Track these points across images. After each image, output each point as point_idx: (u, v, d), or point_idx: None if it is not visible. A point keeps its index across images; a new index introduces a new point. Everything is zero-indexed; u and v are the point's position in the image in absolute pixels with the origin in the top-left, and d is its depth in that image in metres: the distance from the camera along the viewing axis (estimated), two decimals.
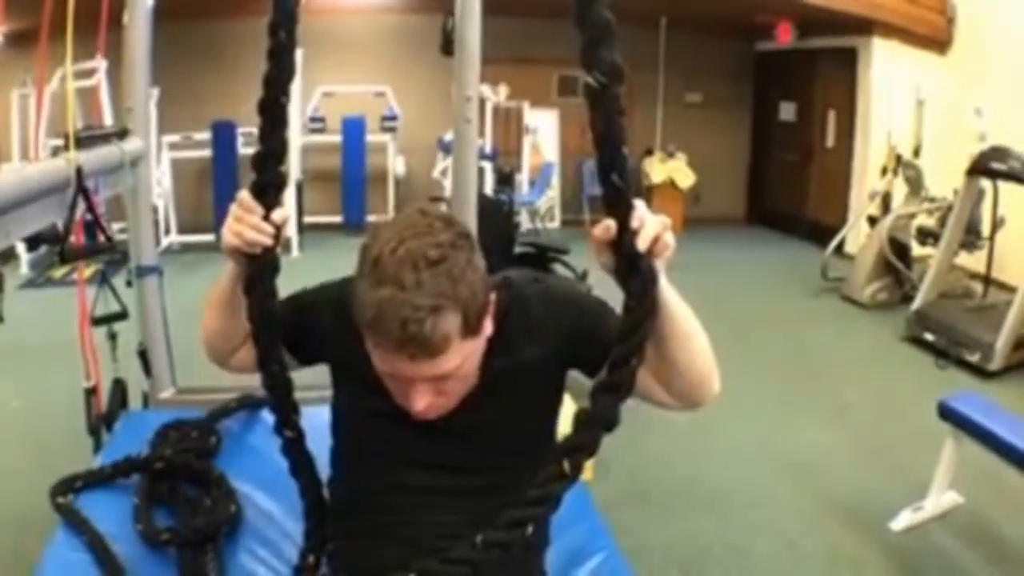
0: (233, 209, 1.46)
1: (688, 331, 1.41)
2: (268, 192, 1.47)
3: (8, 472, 3.71)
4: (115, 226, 5.90)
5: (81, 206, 2.29)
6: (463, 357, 1.40)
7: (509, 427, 1.58)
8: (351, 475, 1.69)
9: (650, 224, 1.26)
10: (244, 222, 1.45)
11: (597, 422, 1.31)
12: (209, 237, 8.96)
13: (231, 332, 1.66)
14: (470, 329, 1.38)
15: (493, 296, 1.46)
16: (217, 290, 1.61)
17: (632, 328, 1.29)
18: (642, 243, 1.25)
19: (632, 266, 1.27)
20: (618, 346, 1.29)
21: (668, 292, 1.35)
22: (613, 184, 1.25)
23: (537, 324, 1.58)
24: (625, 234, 1.26)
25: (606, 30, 1.17)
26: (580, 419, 1.32)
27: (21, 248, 7.81)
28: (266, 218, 1.46)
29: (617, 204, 1.26)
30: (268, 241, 1.47)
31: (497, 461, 1.58)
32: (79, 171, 2.24)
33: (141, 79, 2.93)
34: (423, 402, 1.43)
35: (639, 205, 1.26)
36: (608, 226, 1.26)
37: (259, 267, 1.51)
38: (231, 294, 1.58)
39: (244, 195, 1.46)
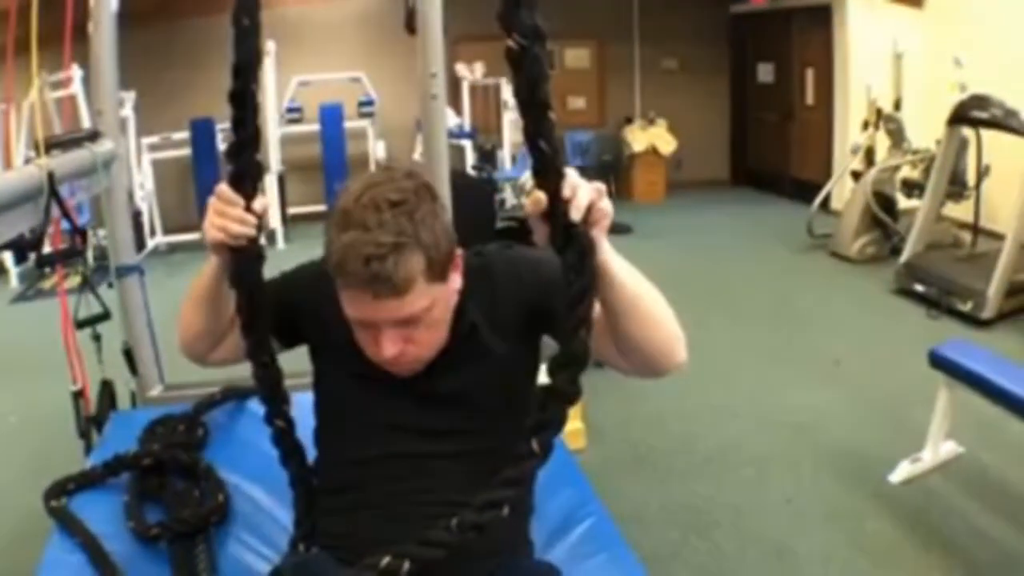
0: (213, 203, 1.45)
1: (640, 301, 1.38)
2: (246, 182, 1.46)
3: (6, 484, 3.70)
4: (101, 232, 5.89)
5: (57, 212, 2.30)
6: (430, 301, 1.43)
7: (485, 390, 1.58)
8: (336, 450, 1.69)
9: (583, 192, 1.23)
10: (226, 215, 1.43)
11: (558, 398, 1.32)
12: (195, 236, 8.92)
13: (212, 329, 1.66)
14: (435, 273, 1.41)
15: (460, 252, 1.50)
16: (199, 287, 1.60)
17: (574, 301, 1.27)
18: (575, 212, 1.22)
19: (568, 237, 1.24)
20: (565, 320, 1.28)
21: (613, 262, 1.32)
22: (541, 150, 1.21)
23: (502, 287, 1.60)
24: (557, 204, 1.23)
25: None
26: (542, 396, 1.33)
27: (10, 262, 7.80)
28: (247, 208, 1.45)
29: (547, 173, 1.23)
30: (252, 232, 1.46)
31: (475, 425, 1.58)
32: (51, 176, 2.24)
33: (109, 82, 2.94)
34: (392, 348, 1.45)
35: (570, 173, 1.23)
36: (539, 199, 1.23)
37: (245, 259, 1.49)
38: (215, 289, 1.57)
39: (223, 188, 1.44)
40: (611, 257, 1.31)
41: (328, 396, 1.71)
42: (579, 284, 1.26)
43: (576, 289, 1.26)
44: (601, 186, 1.26)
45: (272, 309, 1.62)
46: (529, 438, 1.33)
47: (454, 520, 1.34)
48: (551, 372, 1.33)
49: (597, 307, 1.34)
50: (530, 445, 1.33)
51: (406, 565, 1.34)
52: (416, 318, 1.43)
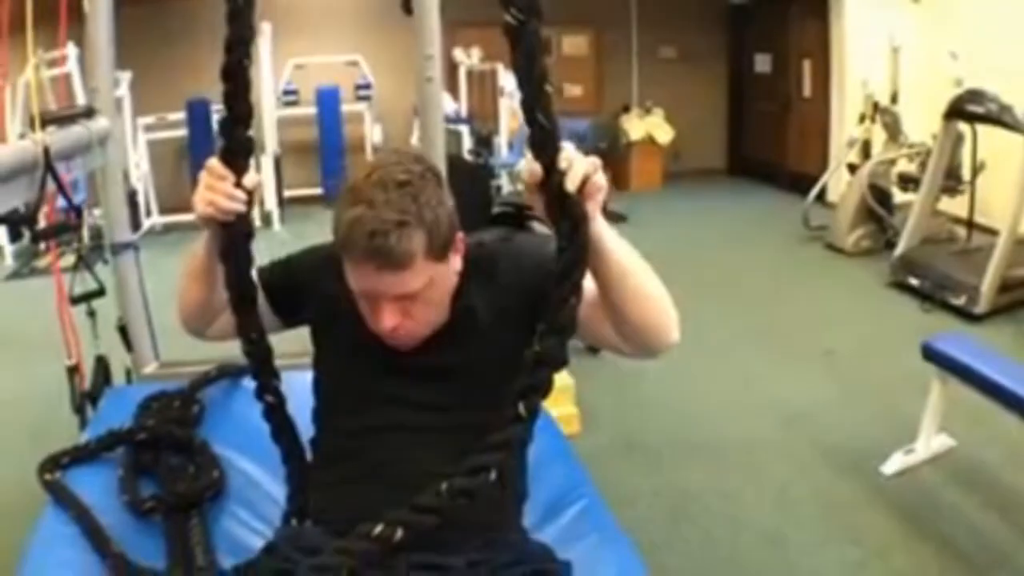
0: (203, 177, 1.47)
1: (632, 275, 1.42)
2: (238, 158, 1.48)
3: (1, 458, 3.69)
4: (96, 212, 5.88)
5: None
6: (428, 278, 1.47)
7: (481, 369, 1.59)
8: (331, 423, 1.70)
9: (578, 165, 1.28)
10: (216, 190, 1.46)
11: (545, 363, 1.37)
12: (190, 216, 8.88)
13: (208, 303, 1.69)
14: (435, 252, 1.45)
15: (461, 235, 1.54)
16: (193, 262, 1.64)
17: (566, 269, 1.32)
18: (571, 184, 1.27)
19: (562, 208, 1.29)
20: (555, 289, 1.34)
21: (607, 237, 1.37)
22: (538, 123, 1.26)
23: (504, 277, 1.63)
24: (553, 175, 1.28)
25: None
26: (530, 361, 1.37)
27: (5, 240, 7.80)
28: (237, 184, 1.47)
29: (543, 145, 1.27)
30: (241, 208, 1.49)
31: (471, 400, 1.58)
32: (46, 151, 2.24)
33: (104, 59, 2.92)
34: (391, 320, 1.49)
35: (567, 146, 1.29)
36: (534, 170, 1.29)
37: (234, 234, 1.53)
38: (208, 264, 1.60)
39: (214, 162, 1.47)
40: (604, 229, 1.36)
41: (327, 372, 1.72)
42: (571, 253, 1.32)
43: (568, 258, 1.32)
44: (597, 160, 1.31)
45: (278, 287, 1.71)
46: (516, 401, 1.37)
47: (444, 484, 1.37)
48: (539, 338, 1.37)
49: (594, 287, 1.40)
50: (516, 408, 1.37)
51: (399, 532, 1.36)
52: (415, 294, 1.47)
